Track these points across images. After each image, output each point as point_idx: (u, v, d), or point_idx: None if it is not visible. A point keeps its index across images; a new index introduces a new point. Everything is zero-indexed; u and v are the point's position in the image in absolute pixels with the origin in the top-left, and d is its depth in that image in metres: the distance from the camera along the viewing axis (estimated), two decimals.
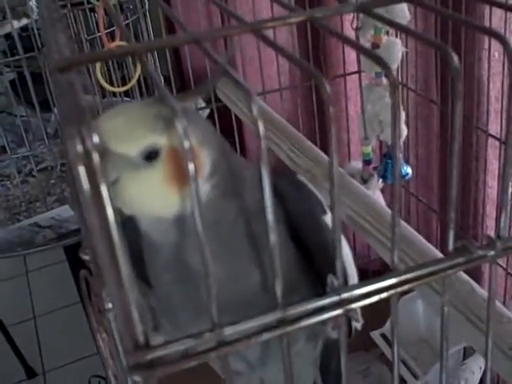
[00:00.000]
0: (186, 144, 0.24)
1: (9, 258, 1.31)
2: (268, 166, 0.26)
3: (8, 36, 1.96)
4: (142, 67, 1.14)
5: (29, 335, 2.13)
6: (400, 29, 0.35)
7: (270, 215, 0.27)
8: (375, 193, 0.98)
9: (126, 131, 0.45)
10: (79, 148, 0.23)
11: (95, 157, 0.23)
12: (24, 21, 1.44)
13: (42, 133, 1.39)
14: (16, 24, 1.39)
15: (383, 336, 1.09)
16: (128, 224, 0.49)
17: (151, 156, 0.45)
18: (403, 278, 0.31)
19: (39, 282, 2.39)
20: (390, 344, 1.08)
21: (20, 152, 1.47)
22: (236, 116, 1.14)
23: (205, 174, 0.48)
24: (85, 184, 0.23)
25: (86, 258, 0.42)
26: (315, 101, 1.18)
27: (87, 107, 0.25)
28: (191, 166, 0.24)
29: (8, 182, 1.49)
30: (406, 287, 0.32)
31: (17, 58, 1.35)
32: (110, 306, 0.33)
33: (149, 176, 0.46)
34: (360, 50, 0.29)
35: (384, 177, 0.99)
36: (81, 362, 1.96)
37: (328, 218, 0.55)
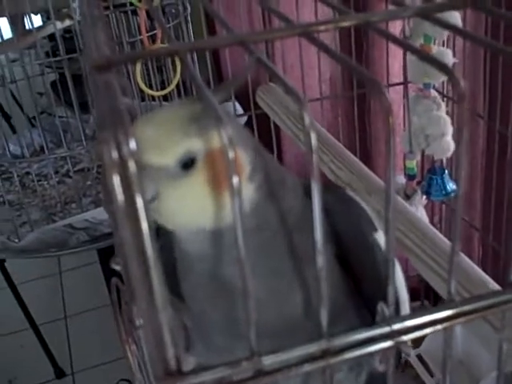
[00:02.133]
0: (231, 155, 0.22)
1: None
2: (319, 181, 0.24)
3: (52, 37, 1.99)
4: (182, 68, 1.13)
5: (59, 335, 2.14)
6: (465, 35, 0.32)
7: (319, 236, 0.24)
8: (418, 209, 0.94)
9: (160, 140, 0.42)
10: (114, 155, 0.21)
11: (131, 165, 0.21)
12: (67, 22, 1.44)
13: (80, 134, 1.39)
14: (59, 25, 1.39)
15: (419, 357, 1.05)
16: (161, 234, 0.46)
17: (188, 163, 0.43)
18: (460, 310, 0.29)
19: (72, 283, 2.40)
20: (426, 366, 1.04)
21: (58, 152, 1.48)
22: (274, 124, 1.12)
23: (246, 173, 0.45)
24: (119, 194, 0.21)
25: (117, 268, 0.40)
26: (356, 111, 1.15)
27: (125, 110, 0.23)
28: (236, 180, 0.22)
29: (45, 182, 1.49)
30: (462, 320, 0.29)
31: (58, 58, 1.35)
32: (141, 322, 0.31)
33: (189, 185, 0.43)
34: (424, 58, 0.27)
35: (428, 193, 0.96)
36: (110, 364, 1.96)
37: (379, 236, 0.51)
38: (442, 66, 0.25)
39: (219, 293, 0.48)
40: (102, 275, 1.54)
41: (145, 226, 0.22)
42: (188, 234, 0.47)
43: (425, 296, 1.38)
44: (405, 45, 0.28)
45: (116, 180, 0.21)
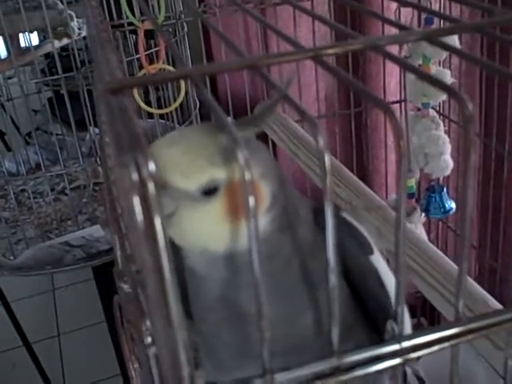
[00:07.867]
0: (248, 176, 0.22)
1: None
2: (331, 203, 0.24)
3: (48, 55, 1.99)
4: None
5: (53, 353, 2.12)
6: (468, 58, 0.33)
7: (331, 255, 0.25)
8: (418, 227, 0.95)
9: (186, 163, 0.43)
10: (134, 177, 0.21)
11: (151, 187, 0.21)
12: (65, 41, 1.45)
13: (76, 151, 1.39)
14: (57, 44, 1.40)
15: (417, 376, 1.05)
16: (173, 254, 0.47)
17: (210, 191, 0.43)
18: (467, 327, 0.29)
19: (65, 300, 2.39)
20: (421, 382, 1.04)
21: (54, 170, 1.48)
22: (272, 141, 1.12)
23: (264, 207, 0.46)
24: (139, 216, 0.21)
25: (125, 286, 0.40)
26: (354, 128, 1.16)
27: (142, 133, 0.23)
28: (252, 200, 0.23)
29: (41, 200, 1.49)
30: (469, 337, 0.29)
31: (55, 77, 1.36)
32: (150, 340, 0.31)
33: (206, 211, 0.44)
34: (430, 81, 0.27)
35: (427, 211, 0.96)
36: (103, 382, 1.94)
37: (375, 258, 0.52)
38: (448, 89, 0.26)
39: (230, 316, 0.48)
40: (95, 292, 1.53)
41: (162, 246, 0.22)
42: (200, 257, 0.47)
43: (421, 313, 1.38)
44: (412, 69, 0.29)
45: (136, 201, 0.21)
